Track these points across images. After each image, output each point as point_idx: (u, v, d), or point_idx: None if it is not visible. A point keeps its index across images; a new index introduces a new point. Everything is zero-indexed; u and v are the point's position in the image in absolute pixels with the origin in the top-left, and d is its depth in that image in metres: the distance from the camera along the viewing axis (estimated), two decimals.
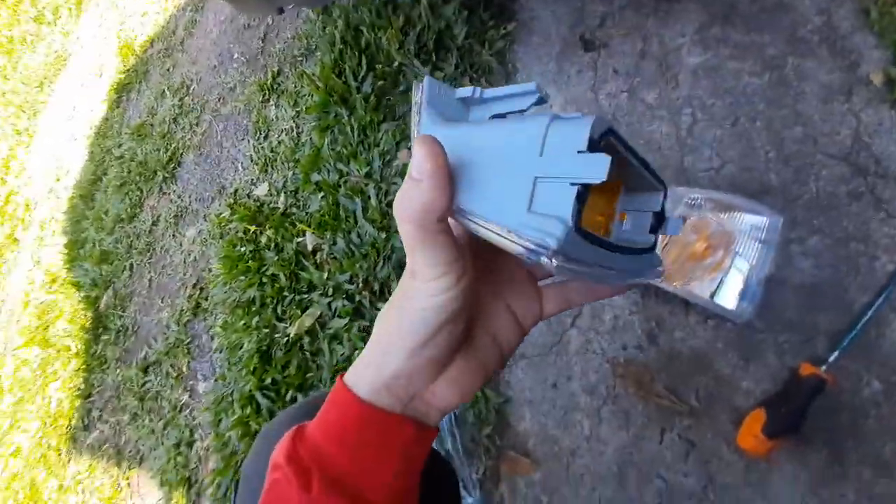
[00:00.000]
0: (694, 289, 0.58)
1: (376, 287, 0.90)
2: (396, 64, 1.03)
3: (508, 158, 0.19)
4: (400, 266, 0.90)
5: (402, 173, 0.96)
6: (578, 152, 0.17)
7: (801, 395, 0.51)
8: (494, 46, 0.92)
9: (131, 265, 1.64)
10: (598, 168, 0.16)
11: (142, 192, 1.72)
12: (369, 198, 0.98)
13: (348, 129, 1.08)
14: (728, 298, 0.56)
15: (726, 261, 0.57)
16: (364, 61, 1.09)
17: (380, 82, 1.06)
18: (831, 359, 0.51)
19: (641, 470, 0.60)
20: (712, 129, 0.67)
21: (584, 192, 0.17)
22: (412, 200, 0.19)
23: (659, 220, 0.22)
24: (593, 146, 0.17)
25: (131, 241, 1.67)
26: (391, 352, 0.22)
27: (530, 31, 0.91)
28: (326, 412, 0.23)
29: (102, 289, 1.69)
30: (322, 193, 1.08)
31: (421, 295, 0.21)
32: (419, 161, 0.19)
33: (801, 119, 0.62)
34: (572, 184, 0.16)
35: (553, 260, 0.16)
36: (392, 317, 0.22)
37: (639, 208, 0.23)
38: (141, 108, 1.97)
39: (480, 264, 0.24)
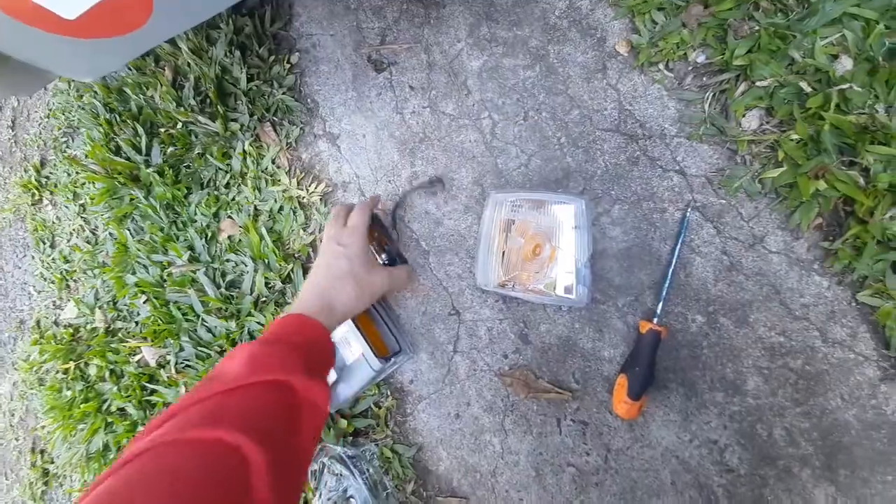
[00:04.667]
0: (536, 288, 0.57)
1: None
2: (181, 125, 0.83)
3: None
4: None
5: (231, 248, 0.79)
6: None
7: (646, 351, 0.53)
8: (284, 83, 0.79)
9: None
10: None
11: None
12: (203, 287, 0.79)
13: (150, 211, 0.85)
14: (565, 288, 0.56)
15: (553, 254, 0.57)
16: (140, 129, 0.86)
17: (169, 149, 0.85)
18: (659, 310, 0.54)
19: (553, 464, 0.59)
20: (510, 128, 0.66)
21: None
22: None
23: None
24: None
25: None
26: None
27: (316, 60, 0.79)
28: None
29: None
30: (145, 296, 0.85)
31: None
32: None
33: (574, 102, 0.63)
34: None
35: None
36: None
37: None
38: None
39: None
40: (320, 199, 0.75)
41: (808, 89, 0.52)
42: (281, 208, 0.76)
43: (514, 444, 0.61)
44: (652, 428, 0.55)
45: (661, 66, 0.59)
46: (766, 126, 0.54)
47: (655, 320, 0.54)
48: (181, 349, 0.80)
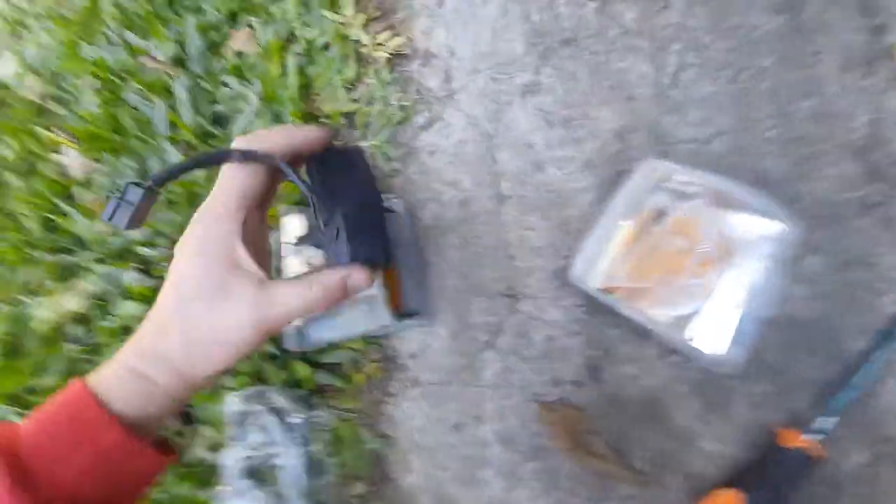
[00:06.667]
0: (662, 317, 0.37)
1: None
2: None
3: None
4: None
5: (236, 70, 0.53)
6: None
7: (790, 474, 0.34)
8: None
9: None
10: None
11: None
12: (177, 104, 0.53)
13: None
14: (711, 338, 0.35)
15: (715, 284, 0.36)
16: None
17: None
18: (817, 424, 0.36)
19: None
20: (705, 82, 0.43)
21: None
22: None
23: None
24: None
25: None
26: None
27: None
28: None
29: None
30: (100, 82, 0.58)
31: None
32: None
33: (815, 88, 0.41)
34: None
35: None
36: None
37: None
38: None
39: None
40: (386, 60, 0.50)
41: None
42: (327, 46, 0.51)
43: (520, 500, 0.42)
44: None
45: None
46: None
47: (819, 438, 0.35)
48: (118, 172, 0.54)
